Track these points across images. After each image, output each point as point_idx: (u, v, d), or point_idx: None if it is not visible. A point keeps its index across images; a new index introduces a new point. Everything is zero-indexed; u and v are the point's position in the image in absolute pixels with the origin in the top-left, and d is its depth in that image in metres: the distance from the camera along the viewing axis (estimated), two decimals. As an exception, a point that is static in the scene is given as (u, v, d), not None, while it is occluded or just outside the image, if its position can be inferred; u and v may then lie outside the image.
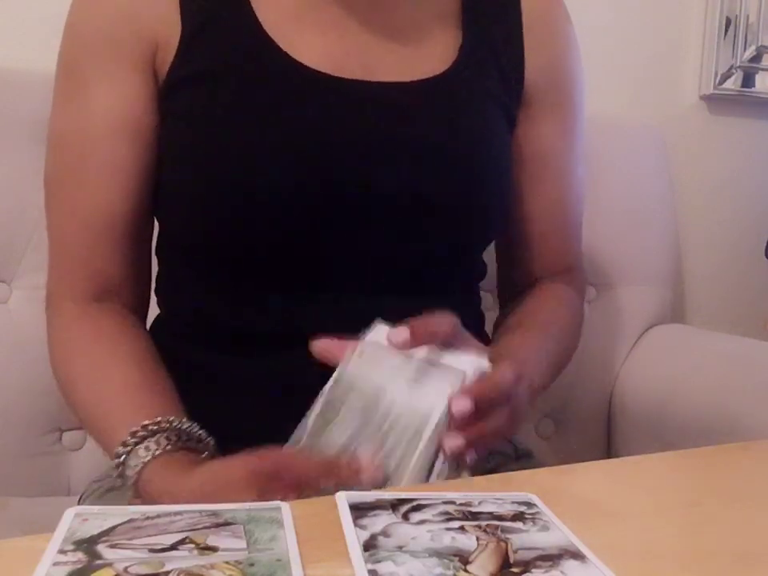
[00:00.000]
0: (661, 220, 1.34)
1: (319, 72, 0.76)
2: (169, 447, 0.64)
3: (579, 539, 0.46)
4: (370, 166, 0.75)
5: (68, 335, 0.76)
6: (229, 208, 0.74)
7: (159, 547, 0.43)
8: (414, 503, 0.50)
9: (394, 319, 0.63)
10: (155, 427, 0.64)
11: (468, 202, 0.78)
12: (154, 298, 0.84)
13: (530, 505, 0.51)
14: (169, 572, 0.40)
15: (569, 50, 0.89)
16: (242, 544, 0.44)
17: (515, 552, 0.44)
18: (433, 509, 0.49)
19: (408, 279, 0.78)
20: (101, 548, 0.43)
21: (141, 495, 0.63)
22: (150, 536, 0.44)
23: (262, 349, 0.76)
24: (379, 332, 0.63)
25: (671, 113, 1.47)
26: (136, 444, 0.64)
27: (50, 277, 0.79)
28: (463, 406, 0.59)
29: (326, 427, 0.61)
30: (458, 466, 0.61)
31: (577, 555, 0.44)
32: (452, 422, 0.59)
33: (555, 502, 0.51)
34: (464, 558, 0.43)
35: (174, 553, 0.42)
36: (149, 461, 0.63)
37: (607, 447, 1.25)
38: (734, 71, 1.46)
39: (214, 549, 0.43)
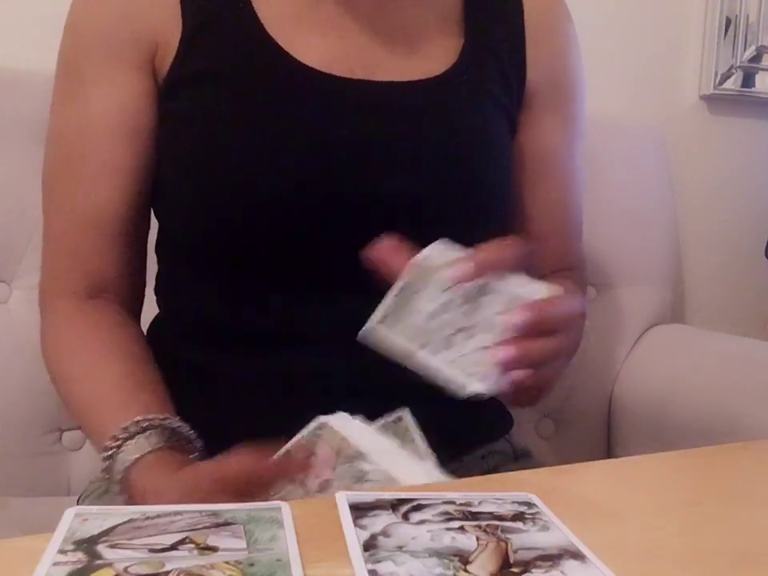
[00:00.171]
0: (661, 220, 1.34)
1: (320, 72, 0.76)
2: (159, 445, 0.64)
3: (579, 539, 0.46)
4: (369, 166, 0.75)
5: (61, 332, 0.76)
6: (229, 208, 0.74)
7: (159, 547, 0.43)
8: (414, 503, 0.50)
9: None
10: (146, 424, 0.64)
11: (468, 202, 0.78)
12: (153, 298, 0.84)
13: (530, 505, 0.51)
14: (169, 572, 0.40)
15: (570, 49, 0.89)
16: (242, 544, 0.44)
17: (515, 552, 0.44)
18: (433, 509, 0.49)
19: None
20: (101, 548, 0.43)
21: (126, 491, 0.63)
22: (150, 536, 0.44)
23: (262, 349, 0.76)
24: (443, 247, 0.62)
25: (671, 113, 1.47)
26: (126, 440, 0.63)
27: (44, 274, 0.79)
28: (523, 316, 0.58)
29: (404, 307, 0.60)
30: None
31: (577, 555, 0.44)
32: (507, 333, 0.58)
33: (555, 502, 0.51)
34: (464, 558, 0.43)
35: (173, 553, 0.42)
36: (138, 457, 0.63)
37: (607, 447, 1.25)
38: (734, 71, 1.46)
39: (213, 549, 0.43)
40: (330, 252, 0.75)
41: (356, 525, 0.46)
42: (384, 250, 0.61)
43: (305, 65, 0.76)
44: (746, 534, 0.51)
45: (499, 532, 0.46)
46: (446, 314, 0.59)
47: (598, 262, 1.23)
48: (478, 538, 0.45)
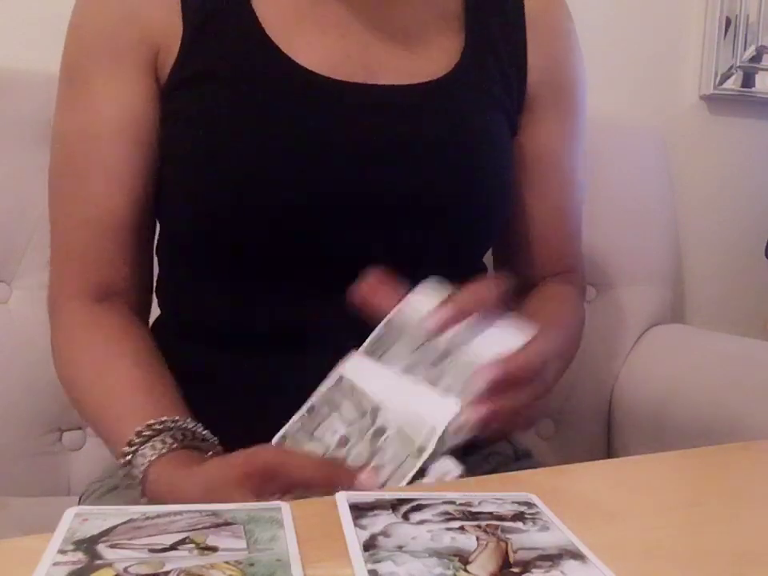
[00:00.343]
0: (661, 220, 1.34)
1: (319, 75, 0.76)
2: (175, 446, 0.64)
3: (579, 539, 0.46)
4: (369, 167, 0.75)
5: (72, 336, 0.76)
6: (228, 209, 0.74)
7: (159, 547, 0.43)
8: (414, 503, 0.50)
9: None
10: (160, 426, 0.65)
11: (468, 203, 0.78)
12: (154, 299, 0.84)
13: (530, 505, 0.51)
14: (169, 572, 0.40)
15: (571, 50, 0.89)
16: (242, 544, 0.44)
17: (515, 552, 0.44)
18: (433, 509, 0.49)
19: (407, 280, 0.78)
20: (101, 548, 0.43)
21: (147, 494, 0.63)
22: (150, 536, 0.44)
23: (262, 349, 0.76)
24: (424, 296, 0.62)
25: (671, 113, 1.47)
26: (142, 443, 0.64)
27: (53, 278, 0.79)
28: (492, 374, 0.58)
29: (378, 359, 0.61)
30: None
31: (577, 555, 0.44)
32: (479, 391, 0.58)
33: (555, 502, 0.51)
34: (464, 558, 0.43)
35: (173, 553, 0.42)
36: (155, 459, 0.63)
37: (607, 447, 1.25)
38: (734, 71, 1.46)
39: (213, 549, 0.43)
40: (330, 252, 0.75)
41: (356, 525, 0.46)
42: (368, 289, 0.63)
43: (304, 67, 0.76)
44: (746, 533, 0.51)
45: (499, 532, 0.46)
46: (418, 367, 0.61)
47: (598, 262, 1.23)
48: (477, 538, 0.45)
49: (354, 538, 0.44)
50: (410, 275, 0.78)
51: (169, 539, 0.44)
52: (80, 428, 1.03)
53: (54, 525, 0.45)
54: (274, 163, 0.73)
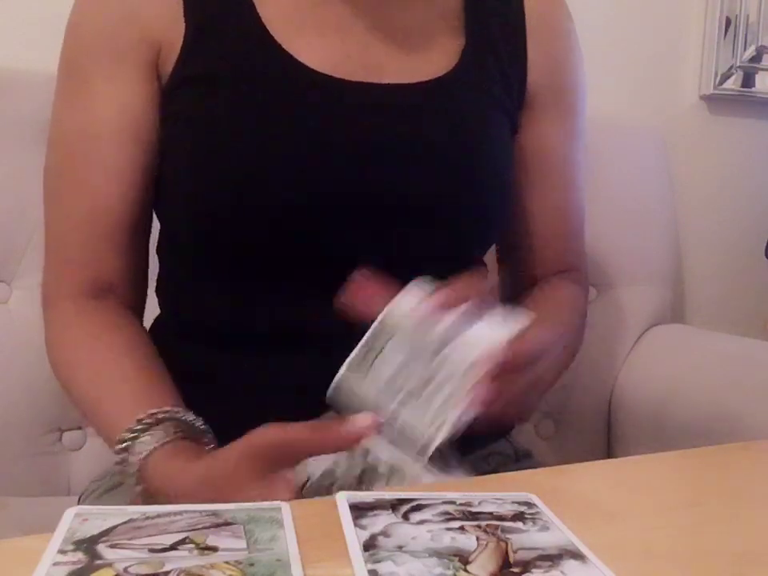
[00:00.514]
0: (661, 220, 1.34)
1: (321, 73, 0.76)
2: (175, 436, 0.64)
3: (579, 539, 0.46)
4: (369, 167, 0.75)
5: (67, 333, 0.76)
6: (229, 209, 0.74)
7: (159, 547, 0.43)
8: (414, 503, 0.50)
9: None
10: (163, 415, 0.65)
11: (469, 203, 0.78)
12: (154, 299, 0.85)
13: (530, 505, 0.51)
14: (169, 572, 0.40)
15: (571, 50, 0.89)
16: (242, 544, 0.44)
17: (515, 552, 0.44)
18: (433, 509, 0.49)
19: (408, 280, 0.78)
20: (101, 548, 0.43)
21: (143, 482, 0.63)
22: (150, 536, 0.44)
23: (262, 349, 0.76)
24: (413, 294, 0.62)
25: (671, 113, 1.47)
26: (143, 431, 0.64)
27: (47, 275, 0.79)
28: (490, 363, 0.58)
29: (369, 365, 0.60)
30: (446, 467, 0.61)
31: (577, 555, 0.44)
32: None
33: (555, 502, 0.51)
34: (464, 558, 0.43)
35: (173, 553, 0.42)
36: (155, 448, 0.63)
37: (607, 447, 1.24)
38: (734, 71, 1.46)
39: (213, 549, 0.43)
40: (330, 252, 0.75)
41: (356, 525, 0.46)
42: (357, 291, 0.62)
43: (306, 66, 0.75)
44: (746, 533, 0.51)
45: (499, 532, 0.46)
46: (414, 363, 0.60)
47: (598, 261, 1.23)
48: (478, 538, 0.45)
49: (353, 538, 0.44)
50: (411, 275, 0.78)
51: (169, 539, 0.44)
52: (80, 428, 1.03)
53: (54, 525, 0.45)
54: (273, 163, 0.73)
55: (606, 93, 1.31)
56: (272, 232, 0.74)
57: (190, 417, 0.66)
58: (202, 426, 0.67)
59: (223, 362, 0.77)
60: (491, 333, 0.60)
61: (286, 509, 0.48)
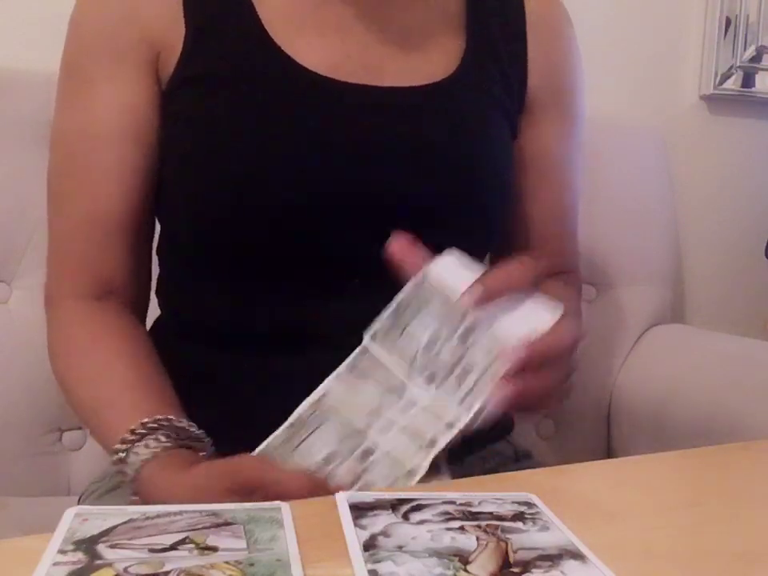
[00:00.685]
0: (661, 220, 1.34)
1: (319, 75, 0.76)
2: (168, 444, 0.64)
3: (579, 539, 0.46)
4: (369, 168, 0.75)
5: (68, 334, 0.76)
6: (229, 209, 0.74)
7: (159, 547, 0.43)
8: (414, 503, 0.50)
9: None
10: (154, 425, 0.64)
11: (469, 203, 0.78)
12: (154, 299, 0.84)
13: (530, 505, 0.51)
14: (169, 572, 0.40)
15: (571, 52, 0.89)
16: (242, 544, 0.44)
17: (515, 552, 0.44)
18: (433, 509, 0.49)
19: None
20: (101, 548, 0.43)
21: (139, 492, 0.63)
22: (150, 536, 0.44)
23: (262, 349, 0.76)
24: (452, 266, 0.62)
25: (671, 113, 1.47)
26: (135, 442, 0.64)
27: (50, 276, 0.79)
28: (520, 354, 0.58)
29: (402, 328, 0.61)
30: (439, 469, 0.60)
31: (577, 555, 0.44)
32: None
33: (555, 502, 0.51)
34: (464, 558, 0.43)
35: (173, 553, 0.42)
36: (148, 458, 0.63)
37: (607, 447, 1.25)
38: (734, 71, 1.46)
39: (213, 549, 0.43)
40: (330, 252, 0.75)
41: (356, 525, 0.46)
42: (399, 246, 0.62)
43: (305, 68, 0.75)
44: (746, 534, 0.51)
45: (499, 532, 0.46)
46: (443, 342, 0.60)
47: (598, 262, 1.24)
48: (478, 538, 0.45)
49: (353, 538, 0.44)
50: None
51: (169, 539, 0.44)
52: (80, 428, 1.03)
53: (54, 525, 0.45)
54: (274, 163, 0.73)
55: (606, 93, 1.31)
56: (272, 232, 0.74)
57: (184, 423, 0.66)
58: (197, 432, 0.67)
59: (223, 362, 0.77)
60: (525, 323, 0.60)
61: (285, 509, 0.48)
